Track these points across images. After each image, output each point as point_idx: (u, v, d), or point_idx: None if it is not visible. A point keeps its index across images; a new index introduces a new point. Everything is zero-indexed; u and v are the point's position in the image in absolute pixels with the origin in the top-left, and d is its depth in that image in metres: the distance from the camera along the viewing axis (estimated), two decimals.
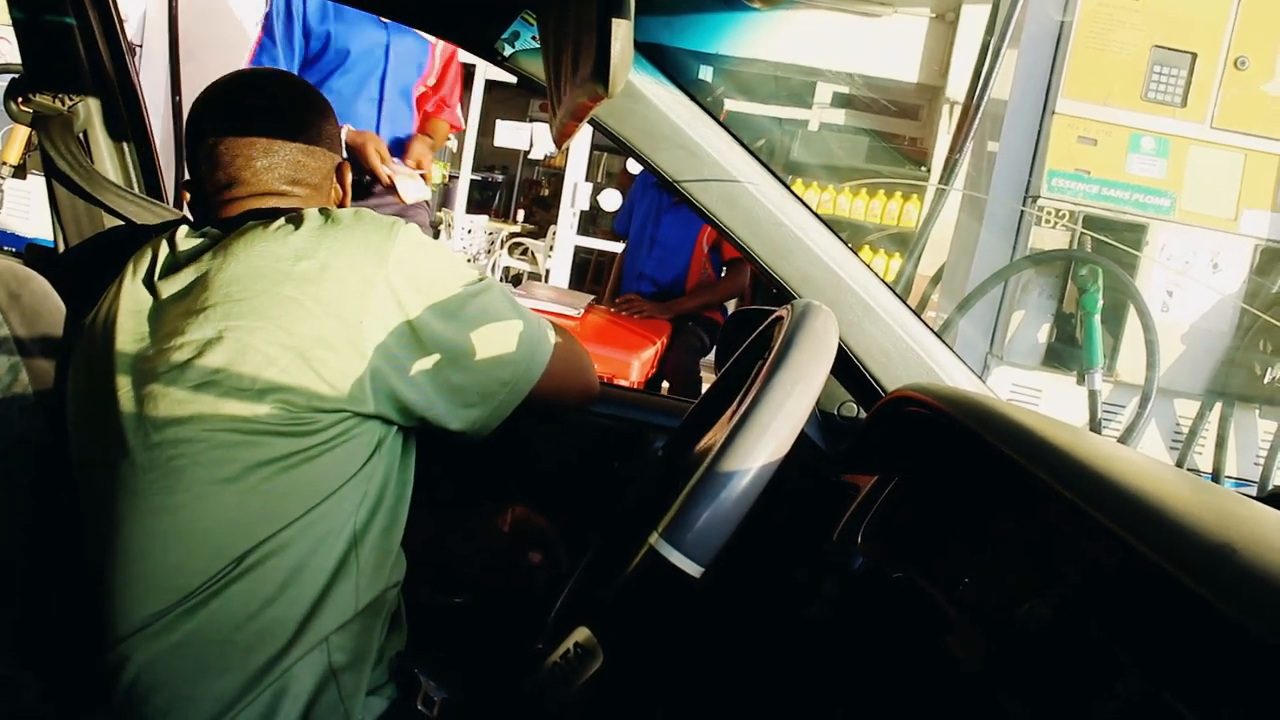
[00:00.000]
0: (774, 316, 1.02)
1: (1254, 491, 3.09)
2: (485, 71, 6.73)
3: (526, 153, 6.68)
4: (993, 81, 3.04)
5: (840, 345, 1.17)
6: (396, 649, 1.11)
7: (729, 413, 0.85)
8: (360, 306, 0.97)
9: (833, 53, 4.96)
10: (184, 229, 1.08)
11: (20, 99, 1.44)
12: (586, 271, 7.44)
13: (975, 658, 0.78)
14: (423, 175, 3.00)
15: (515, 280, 6.82)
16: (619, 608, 0.78)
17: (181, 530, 0.94)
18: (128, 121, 1.53)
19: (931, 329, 1.26)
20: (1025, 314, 3.27)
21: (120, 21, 1.47)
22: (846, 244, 1.26)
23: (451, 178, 7.15)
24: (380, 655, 1.07)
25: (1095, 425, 3.14)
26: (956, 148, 3.13)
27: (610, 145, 6.17)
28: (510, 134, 6.05)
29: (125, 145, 1.54)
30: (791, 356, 0.79)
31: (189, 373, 0.94)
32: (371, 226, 1.01)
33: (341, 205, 1.19)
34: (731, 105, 5.42)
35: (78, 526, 1.03)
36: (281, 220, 1.01)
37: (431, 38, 3.01)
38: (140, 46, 4.04)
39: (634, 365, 3.03)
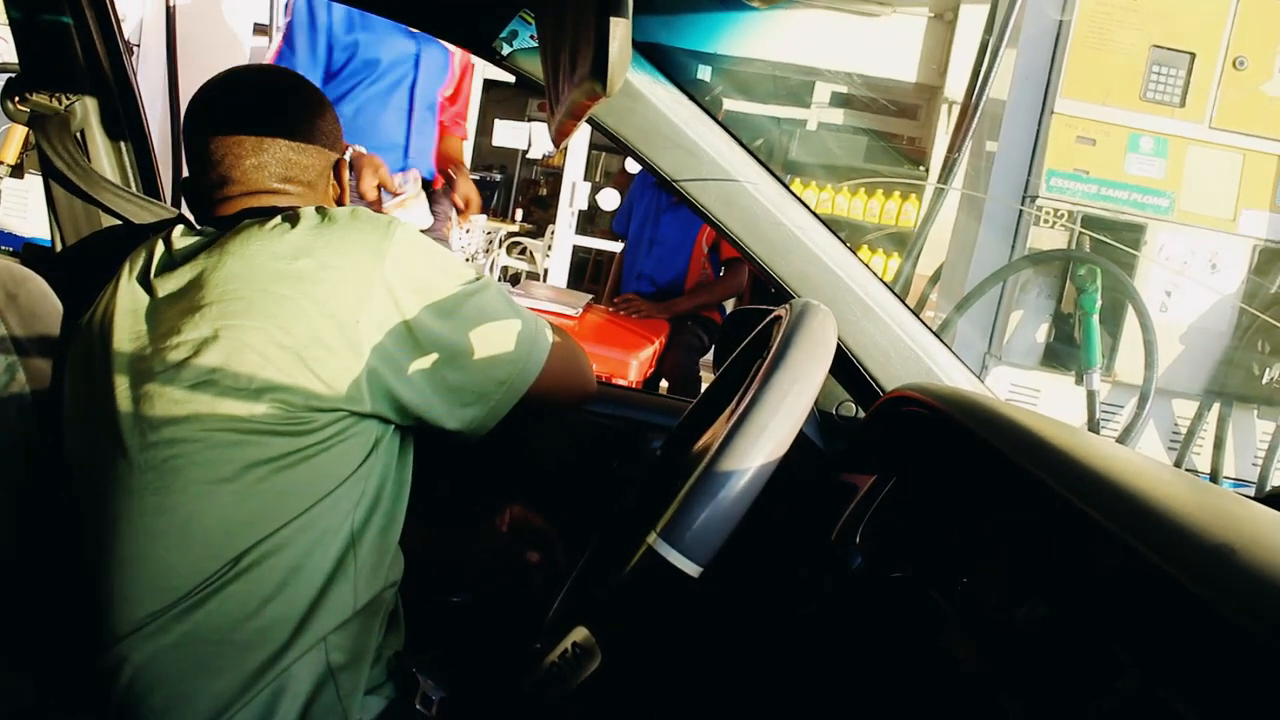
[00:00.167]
0: (773, 316, 1.02)
1: (1252, 492, 3.10)
2: (483, 71, 6.71)
3: (524, 152, 6.67)
4: (991, 81, 3.04)
5: (839, 344, 1.17)
6: (395, 648, 1.11)
7: (727, 412, 0.85)
8: (357, 306, 0.97)
9: (831, 52, 4.96)
10: (180, 228, 1.08)
11: (17, 98, 1.43)
12: (585, 271, 7.44)
13: (973, 657, 0.77)
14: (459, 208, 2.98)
15: (513, 279, 6.82)
16: (617, 607, 0.78)
17: (179, 530, 0.94)
18: (125, 121, 1.52)
19: (930, 329, 1.26)
20: (1024, 314, 3.27)
21: (117, 21, 1.47)
22: (845, 243, 1.26)
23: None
24: (378, 655, 1.06)
25: (1093, 425, 3.14)
26: (955, 147, 3.13)
27: (608, 144, 6.16)
28: (508, 133, 6.04)
29: (122, 144, 1.54)
30: (790, 356, 0.79)
31: (185, 372, 0.94)
32: (368, 226, 1.01)
33: (340, 203, 1.19)
34: (730, 105, 5.42)
35: (74, 527, 1.03)
36: (278, 219, 1.01)
37: (452, 46, 2.98)
38: (137, 46, 4.03)
39: (632, 365, 3.03)
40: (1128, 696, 0.58)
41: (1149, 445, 3.26)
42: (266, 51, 3.00)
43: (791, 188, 1.27)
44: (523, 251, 7.10)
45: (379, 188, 2.39)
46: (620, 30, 0.64)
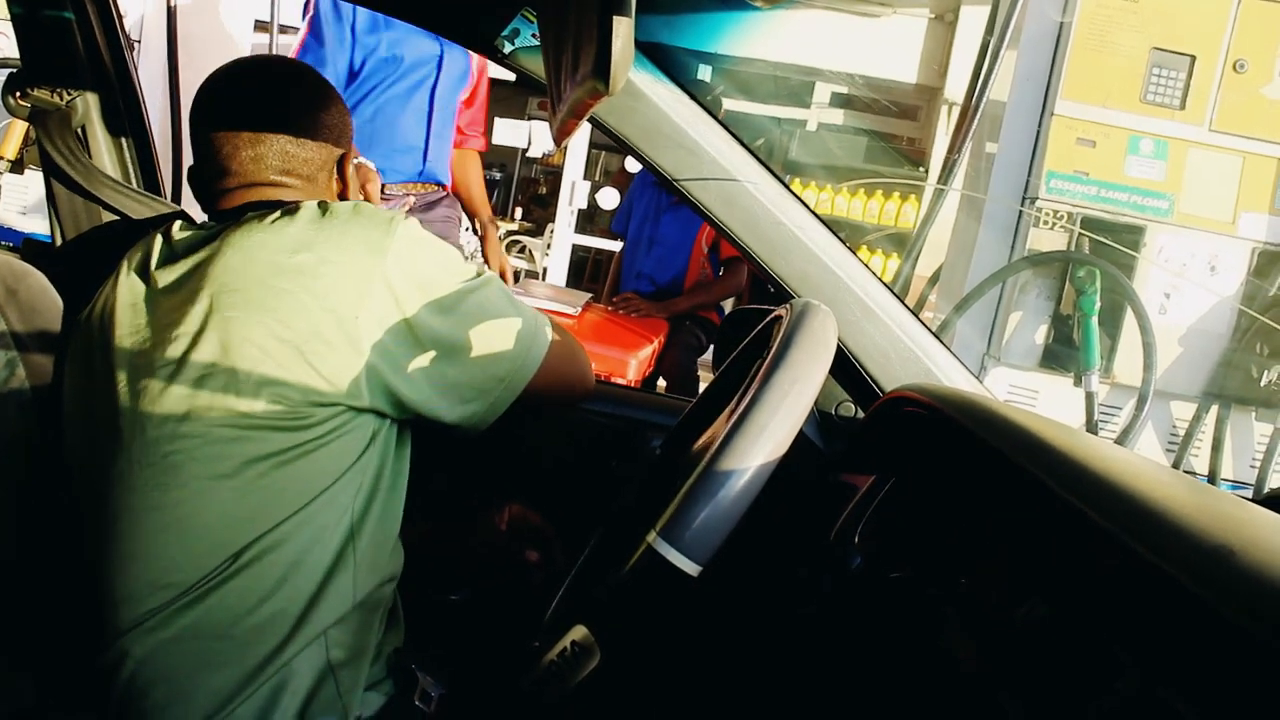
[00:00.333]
0: (773, 316, 1.02)
1: (1250, 494, 3.10)
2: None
3: (524, 151, 6.65)
4: (992, 82, 3.04)
5: (838, 345, 1.17)
6: (394, 645, 1.11)
7: (727, 411, 0.85)
8: (357, 301, 0.96)
9: (832, 53, 4.96)
10: (179, 223, 1.08)
11: (18, 94, 1.43)
12: (584, 270, 7.43)
13: (973, 657, 0.78)
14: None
15: (513, 278, 6.81)
16: (616, 606, 0.78)
17: (179, 526, 0.94)
18: (126, 116, 1.52)
19: (930, 329, 1.26)
20: (1023, 315, 3.28)
21: (119, 16, 1.47)
22: (845, 244, 1.26)
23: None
24: (378, 652, 1.07)
25: (1092, 427, 3.15)
26: (955, 148, 3.13)
27: (609, 143, 6.16)
28: (508, 132, 6.03)
29: (123, 140, 1.54)
30: (790, 355, 0.79)
31: (184, 366, 0.94)
32: (370, 221, 1.00)
33: (344, 198, 1.19)
34: (731, 105, 5.41)
35: (74, 525, 1.03)
36: (279, 212, 1.01)
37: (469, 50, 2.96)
38: (138, 41, 4.03)
39: (631, 364, 3.03)
40: (1127, 696, 0.58)
41: (1147, 447, 3.27)
42: (268, 50, 2.97)
43: (791, 188, 1.27)
44: (522, 250, 7.10)
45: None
46: (623, 29, 0.64)
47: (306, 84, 1.15)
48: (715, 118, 1.27)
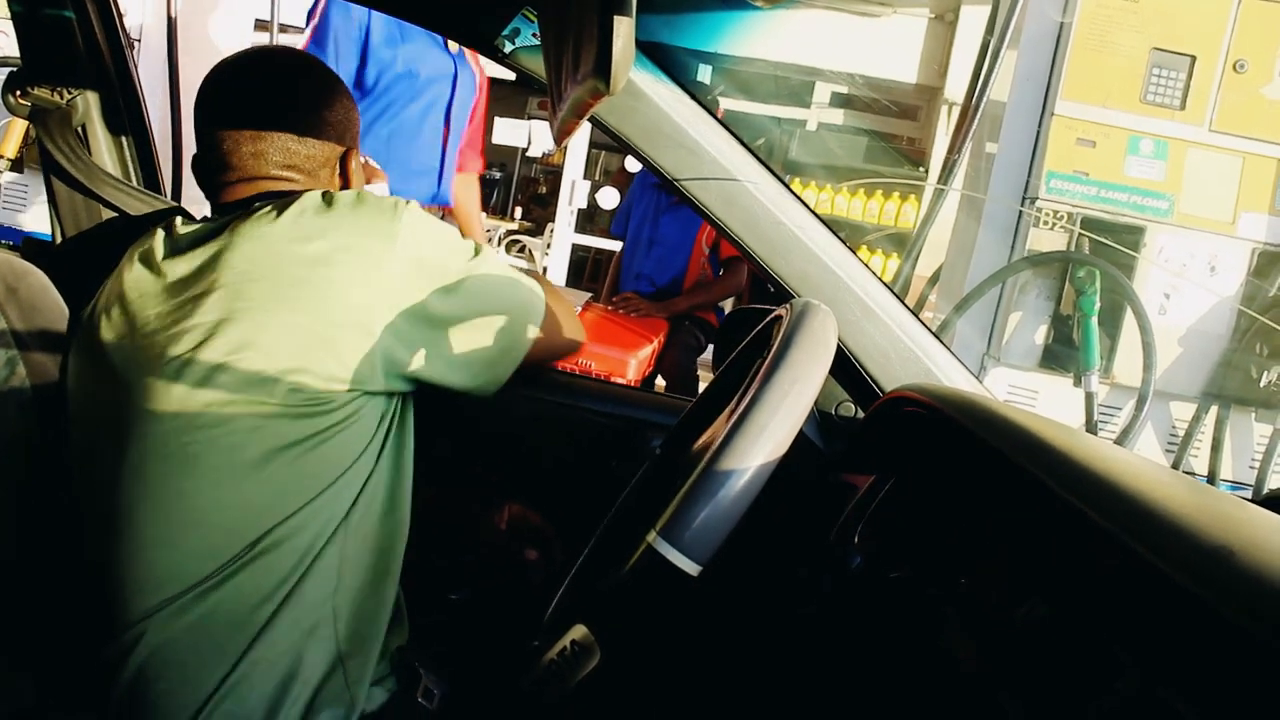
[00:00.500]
0: (773, 315, 1.02)
1: (1249, 494, 3.10)
2: (484, 69, 6.71)
3: (524, 150, 6.66)
4: (992, 82, 3.04)
5: (838, 344, 1.17)
6: (398, 643, 1.12)
7: (728, 411, 0.85)
8: (370, 287, 0.98)
9: (832, 52, 4.96)
10: (180, 218, 1.09)
11: (18, 92, 1.43)
12: (584, 269, 7.43)
13: (973, 657, 0.78)
14: None
15: None
16: (616, 605, 0.78)
17: (197, 516, 0.95)
18: (126, 115, 1.52)
19: (929, 329, 1.26)
20: (1023, 315, 3.28)
21: (119, 15, 1.47)
22: (845, 243, 1.26)
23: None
24: (384, 648, 1.07)
25: (1092, 427, 3.14)
26: (955, 148, 3.13)
27: (608, 143, 6.16)
28: (508, 131, 6.03)
29: (124, 139, 1.54)
30: (791, 355, 0.79)
31: (203, 358, 0.95)
32: (376, 208, 1.02)
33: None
34: (731, 104, 5.41)
35: (76, 522, 1.03)
36: (287, 203, 1.01)
37: (476, 67, 2.85)
38: (138, 40, 4.03)
39: (631, 364, 3.03)
40: (1127, 696, 0.58)
41: (1147, 447, 3.27)
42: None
43: (792, 188, 1.28)
44: (522, 249, 7.10)
45: None
46: (624, 28, 0.64)
47: (311, 79, 1.15)
48: (715, 117, 1.27)
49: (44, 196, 1.46)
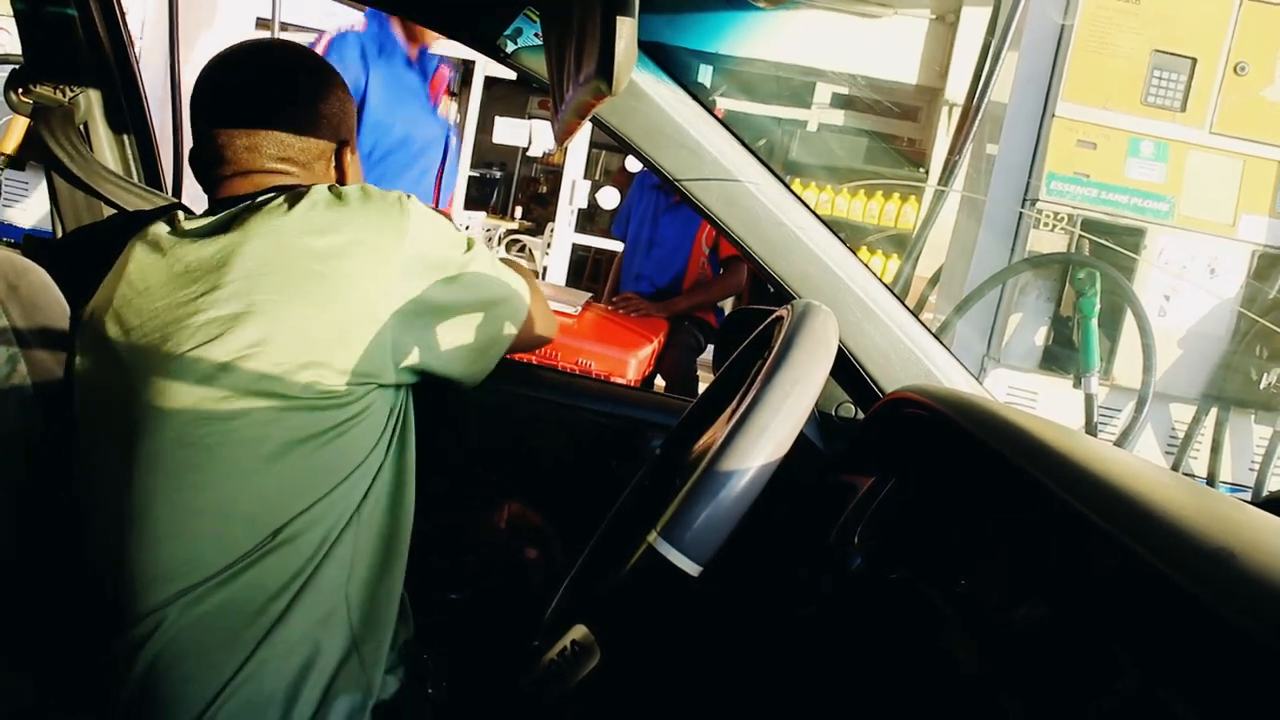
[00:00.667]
0: (774, 316, 1.02)
1: (1249, 496, 3.10)
2: (484, 68, 6.71)
3: (525, 150, 6.65)
4: (992, 84, 3.04)
5: (839, 345, 1.17)
6: (406, 637, 1.12)
7: (728, 412, 0.85)
8: (382, 280, 0.99)
9: (833, 53, 4.96)
10: (182, 212, 1.09)
11: (21, 90, 1.43)
12: (584, 269, 7.43)
13: (972, 659, 0.78)
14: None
15: None
16: (616, 606, 0.78)
17: (216, 507, 0.95)
18: (128, 113, 1.52)
19: (930, 330, 1.27)
20: (1023, 317, 3.28)
21: (122, 13, 1.47)
22: (846, 244, 1.27)
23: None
24: (394, 639, 1.08)
25: (1091, 428, 3.14)
26: (956, 149, 3.13)
27: (609, 143, 6.16)
28: (509, 131, 6.03)
29: (125, 137, 1.54)
30: (792, 356, 0.79)
31: (219, 350, 0.95)
32: (383, 203, 1.03)
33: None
34: (732, 105, 5.41)
35: (76, 520, 1.03)
36: (297, 197, 1.02)
37: (456, 133, 2.85)
38: (140, 38, 4.03)
39: (631, 364, 3.03)
40: (1127, 698, 0.58)
41: (1146, 449, 3.27)
42: None
43: (793, 188, 1.28)
44: (522, 249, 7.10)
45: None
46: (626, 29, 0.64)
47: (306, 72, 1.15)
48: (717, 118, 1.27)
49: (45, 193, 1.46)
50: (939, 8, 4.89)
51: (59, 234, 1.45)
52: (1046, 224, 3.16)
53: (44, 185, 1.47)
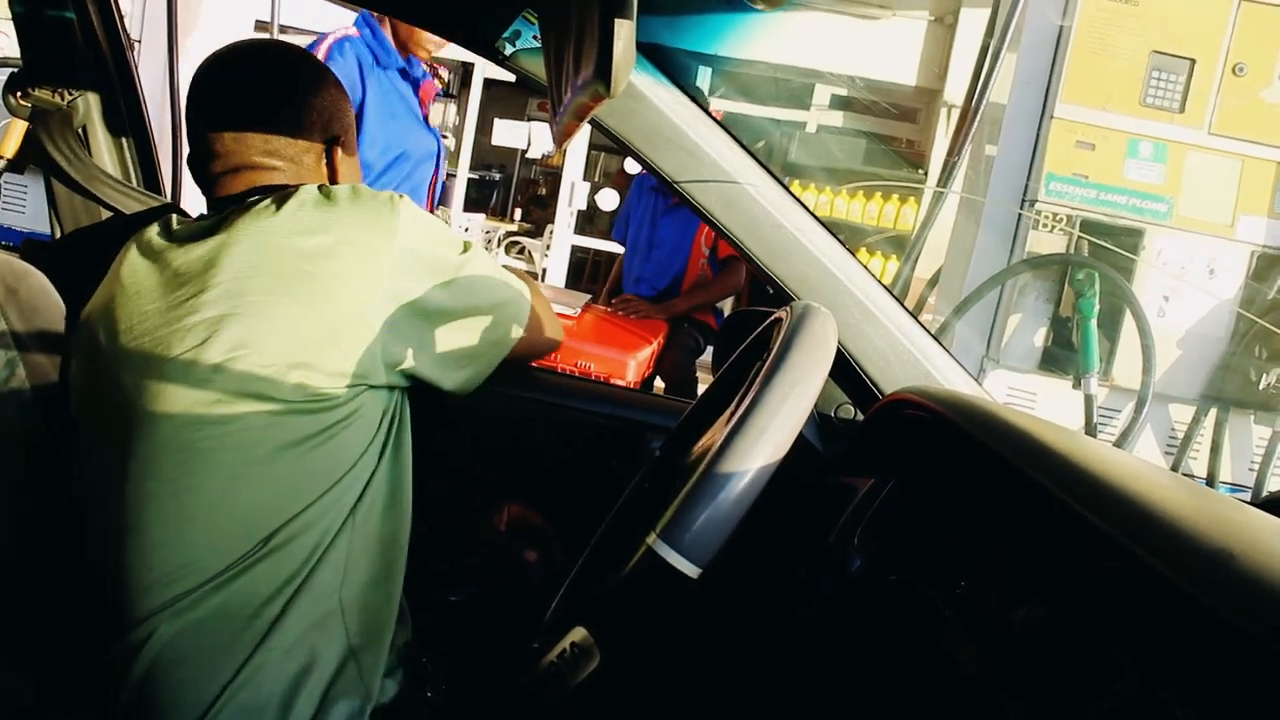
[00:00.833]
0: (773, 318, 1.02)
1: (1248, 497, 3.10)
2: (483, 70, 6.72)
3: (524, 152, 6.66)
4: (991, 85, 3.04)
5: (838, 347, 1.17)
6: (404, 640, 1.12)
7: (728, 413, 0.85)
8: (371, 281, 0.98)
9: (832, 55, 4.96)
10: (175, 215, 1.09)
11: (19, 93, 1.43)
12: (583, 271, 7.44)
13: (972, 660, 0.78)
14: None
15: None
16: (616, 608, 0.78)
17: (209, 512, 0.95)
18: (126, 116, 1.52)
19: (929, 332, 1.27)
20: (1022, 318, 3.28)
21: (120, 16, 1.47)
22: (845, 246, 1.27)
23: (449, 175, 7.14)
24: (393, 642, 1.08)
25: (1091, 429, 3.14)
26: (955, 151, 3.13)
27: (608, 145, 6.16)
28: (508, 133, 6.04)
29: (124, 140, 1.54)
30: (791, 358, 0.79)
31: (209, 353, 0.94)
32: (373, 202, 1.02)
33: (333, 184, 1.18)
34: (731, 106, 5.41)
35: (75, 522, 1.03)
36: (285, 197, 1.01)
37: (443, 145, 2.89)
38: (138, 41, 4.03)
39: (630, 365, 3.03)
40: (1127, 699, 0.58)
41: (1146, 449, 3.27)
42: None
43: (791, 190, 1.28)
44: (521, 251, 7.10)
45: None
46: (625, 31, 0.64)
47: (294, 68, 1.15)
48: (716, 119, 1.27)
49: (43, 197, 1.46)
50: (938, 9, 4.89)
51: (57, 237, 1.45)
52: (1045, 225, 3.16)
53: (43, 189, 1.47)
